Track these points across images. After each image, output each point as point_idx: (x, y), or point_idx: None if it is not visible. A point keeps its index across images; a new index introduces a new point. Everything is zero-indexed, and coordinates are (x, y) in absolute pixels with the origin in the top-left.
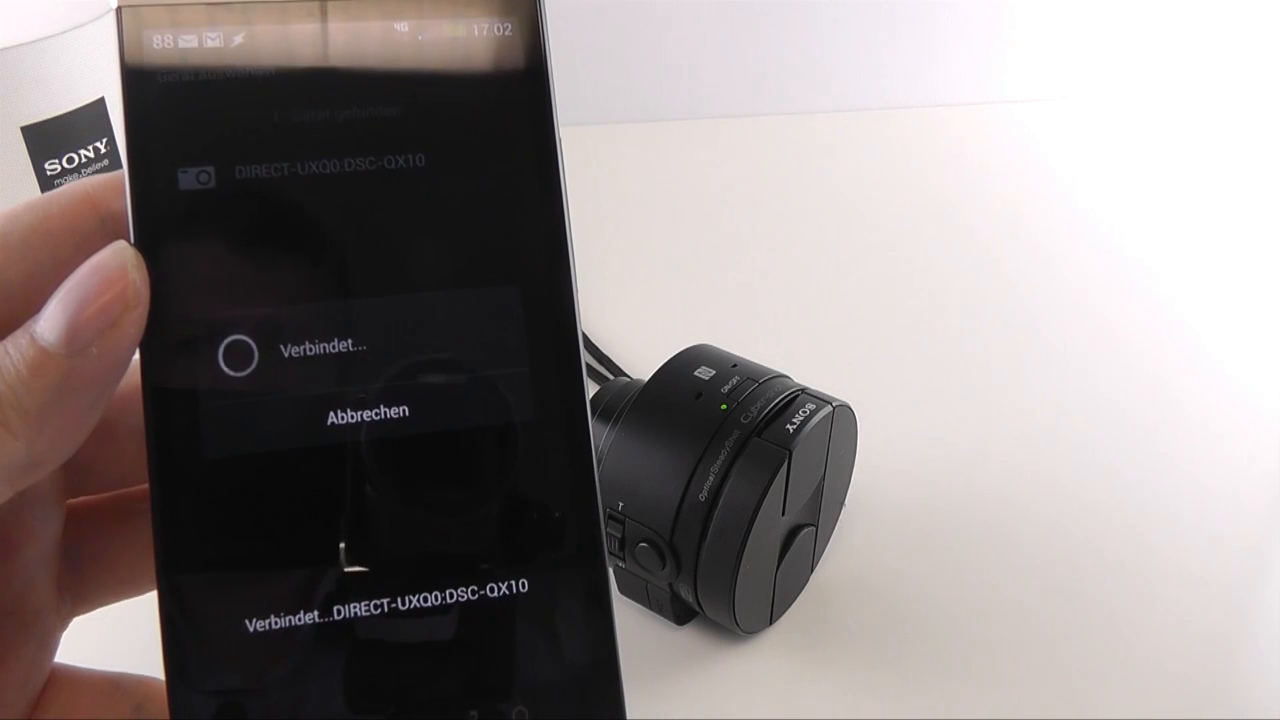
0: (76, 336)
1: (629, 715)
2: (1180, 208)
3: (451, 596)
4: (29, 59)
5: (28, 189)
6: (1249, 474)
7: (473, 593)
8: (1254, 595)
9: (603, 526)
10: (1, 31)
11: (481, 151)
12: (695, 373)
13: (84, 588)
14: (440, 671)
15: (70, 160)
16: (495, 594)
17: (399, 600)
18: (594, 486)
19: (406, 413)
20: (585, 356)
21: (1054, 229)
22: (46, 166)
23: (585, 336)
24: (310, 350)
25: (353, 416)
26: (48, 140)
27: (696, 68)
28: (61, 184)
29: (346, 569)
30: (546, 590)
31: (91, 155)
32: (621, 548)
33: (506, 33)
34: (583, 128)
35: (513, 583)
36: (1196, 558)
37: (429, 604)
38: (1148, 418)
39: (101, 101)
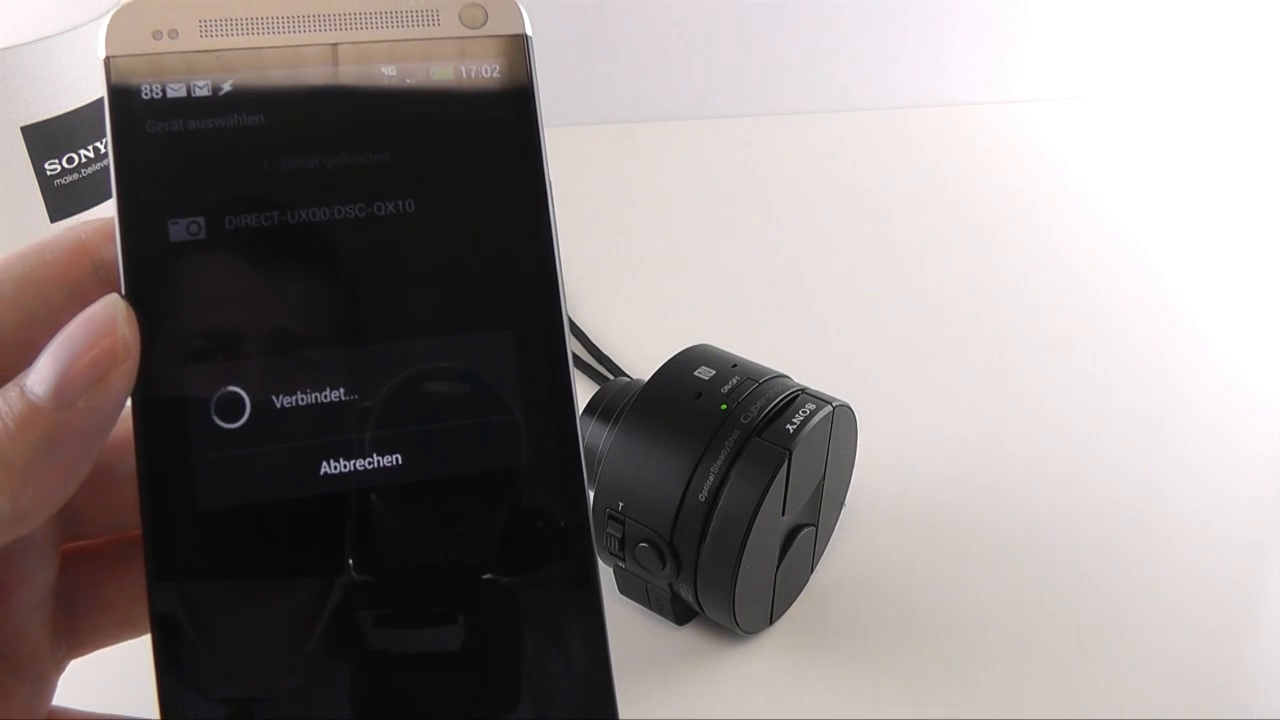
0: (65, 390)
1: (629, 716)
2: (1192, 208)
3: (441, 646)
4: (29, 59)
5: (28, 189)
6: (1256, 474)
7: (463, 642)
8: (1260, 593)
9: (597, 563)
10: (1, 31)
11: (472, 195)
12: (695, 373)
13: (80, 631)
14: (435, 707)
15: (70, 160)
16: (486, 649)
17: (392, 645)
18: (589, 530)
19: (400, 461)
20: (585, 356)
21: (1060, 229)
22: (46, 166)
23: (585, 336)
24: (303, 400)
25: (346, 466)
26: (48, 140)
27: (700, 67)
28: (62, 184)
29: (341, 616)
30: (540, 627)
31: (91, 155)
32: (621, 548)
33: (494, 74)
34: (585, 128)
35: (504, 626)
36: (1201, 555)
37: (421, 651)
38: (1154, 418)
39: (102, 101)
